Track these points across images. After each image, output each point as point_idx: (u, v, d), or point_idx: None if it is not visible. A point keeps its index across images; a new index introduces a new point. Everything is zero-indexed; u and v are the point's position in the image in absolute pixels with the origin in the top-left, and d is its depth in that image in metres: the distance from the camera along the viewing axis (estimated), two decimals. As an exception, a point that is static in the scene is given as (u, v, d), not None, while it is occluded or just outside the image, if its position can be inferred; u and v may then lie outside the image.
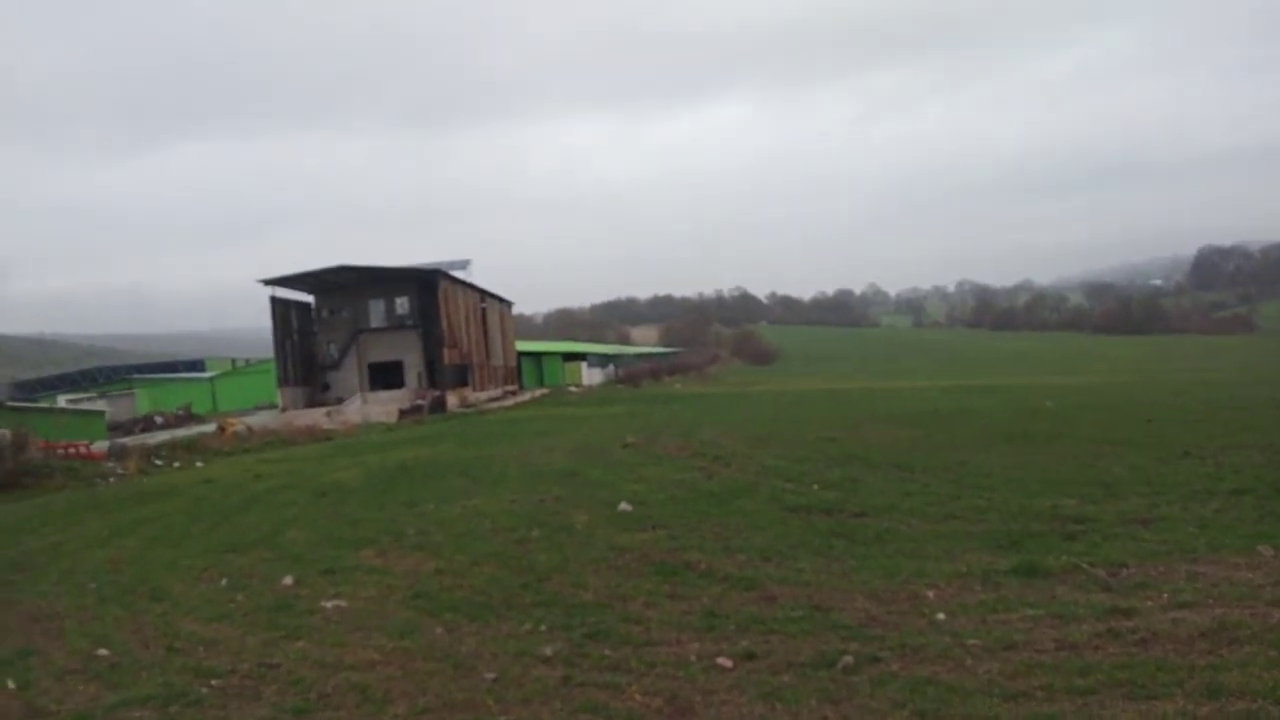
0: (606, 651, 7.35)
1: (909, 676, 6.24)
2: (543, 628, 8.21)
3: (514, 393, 69.06)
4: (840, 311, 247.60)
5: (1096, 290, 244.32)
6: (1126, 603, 7.72)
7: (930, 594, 8.43)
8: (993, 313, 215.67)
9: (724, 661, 6.81)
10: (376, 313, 62.01)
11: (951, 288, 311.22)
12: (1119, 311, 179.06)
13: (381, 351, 61.50)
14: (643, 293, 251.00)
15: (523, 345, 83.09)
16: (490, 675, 7.05)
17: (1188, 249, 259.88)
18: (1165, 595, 7.89)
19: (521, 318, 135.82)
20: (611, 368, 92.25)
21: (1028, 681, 6.02)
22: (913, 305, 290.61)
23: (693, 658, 7.01)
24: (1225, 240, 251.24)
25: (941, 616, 7.65)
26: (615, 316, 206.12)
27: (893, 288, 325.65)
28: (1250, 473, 14.03)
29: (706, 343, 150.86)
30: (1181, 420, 23.11)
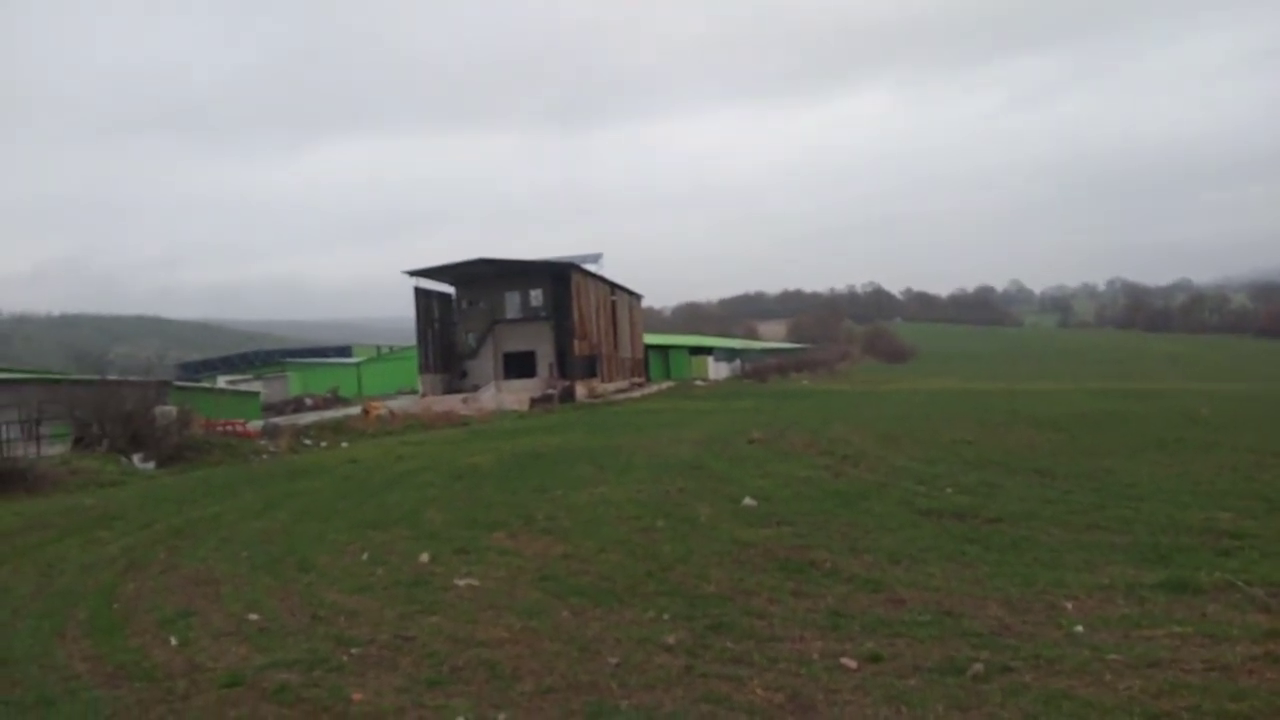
0: (729, 644, 7.38)
1: (1043, 688, 6.02)
2: (666, 616, 8.31)
3: (641, 385, 69.73)
4: (980, 309, 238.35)
5: (1263, 290, 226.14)
6: (1288, 626, 7.21)
7: (1069, 605, 8.09)
8: (1146, 313, 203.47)
9: (848, 662, 6.74)
10: (512, 304, 63.77)
11: (1101, 286, 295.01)
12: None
13: (516, 342, 63.24)
14: (772, 287, 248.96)
15: (650, 338, 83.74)
16: (614, 660, 7.20)
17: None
18: (1333, 622, 7.33)
19: (650, 311, 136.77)
20: (738, 362, 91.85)
21: (1172, 702, 5.72)
22: (1059, 304, 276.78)
23: (816, 656, 6.97)
24: None
25: (1080, 629, 7.33)
26: (743, 311, 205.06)
27: (1037, 285, 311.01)
28: None
29: (836, 339, 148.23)
30: (1359, 433, 21.29)
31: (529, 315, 63.35)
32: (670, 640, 7.55)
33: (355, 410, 45.55)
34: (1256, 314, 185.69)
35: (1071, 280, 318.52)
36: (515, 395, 54.06)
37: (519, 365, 62.69)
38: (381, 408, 45.44)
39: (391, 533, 13.34)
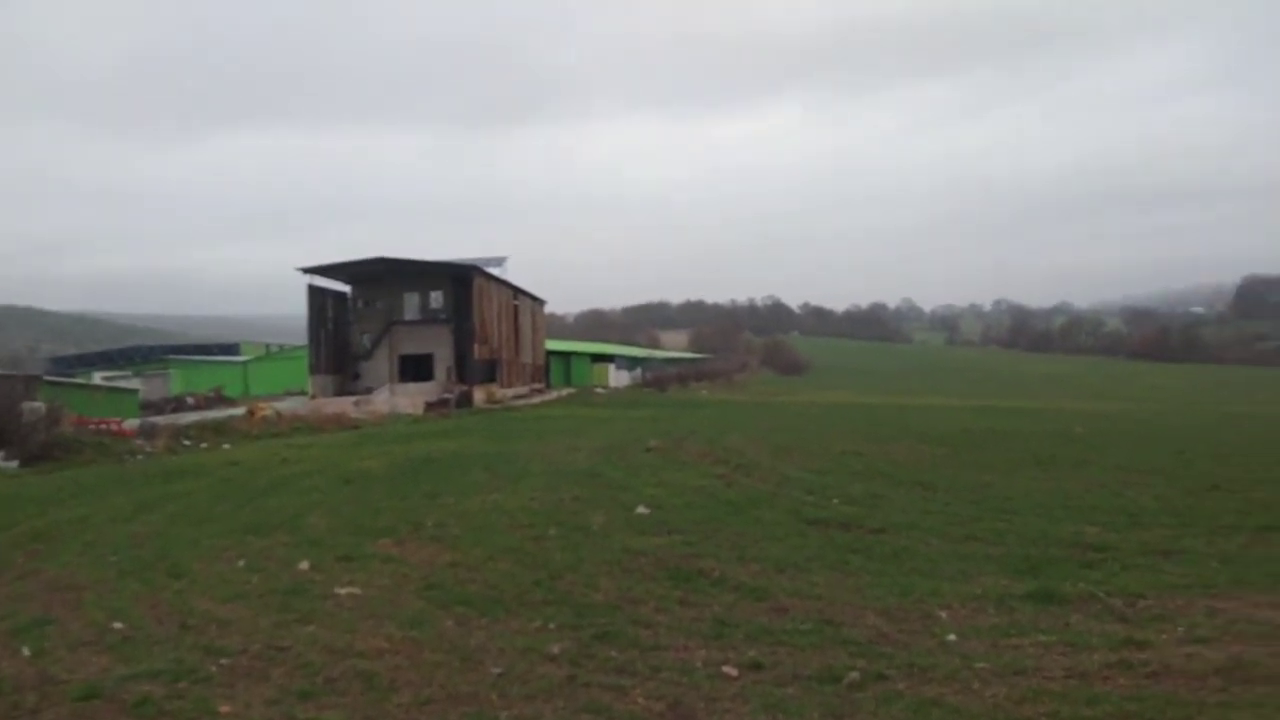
0: (613, 653, 7.35)
1: (914, 696, 6.19)
2: (552, 626, 8.24)
3: (541, 391, 69.34)
4: (873, 326, 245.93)
5: (1135, 316, 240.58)
6: (1141, 634, 7.60)
7: (943, 614, 8.36)
8: (1028, 334, 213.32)
9: (729, 670, 6.80)
10: (411, 305, 62.56)
11: (988, 306, 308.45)
12: (1157, 338, 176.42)
13: (413, 344, 62.03)
14: (675, 297, 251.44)
15: (552, 344, 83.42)
16: (496, 670, 7.08)
17: (1232, 277, 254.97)
18: (1181, 629, 7.76)
19: (553, 317, 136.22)
20: (639, 371, 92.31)
21: (1034, 708, 5.95)
22: (947, 322, 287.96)
23: (698, 664, 7.00)
24: (1272, 270, 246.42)
25: (952, 637, 7.58)
26: (646, 320, 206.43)
27: (928, 304, 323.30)
28: (1281, 510, 13.77)
29: (736, 350, 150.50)
30: (1214, 453, 22.73)
31: (428, 317, 62.25)
32: (555, 650, 7.48)
33: (240, 411, 43.85)
34: (1129, 338, 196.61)
35: (960, 300, 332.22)
36: (410, 399, 53.00)
37: (416, 368, 61.49)
38: (268, 409, 43.85)
39: (271, 538, 12.85)
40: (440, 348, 61.43)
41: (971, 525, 12.78)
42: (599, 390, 72.27)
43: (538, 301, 76.90)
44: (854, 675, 6.55)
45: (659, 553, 11.11)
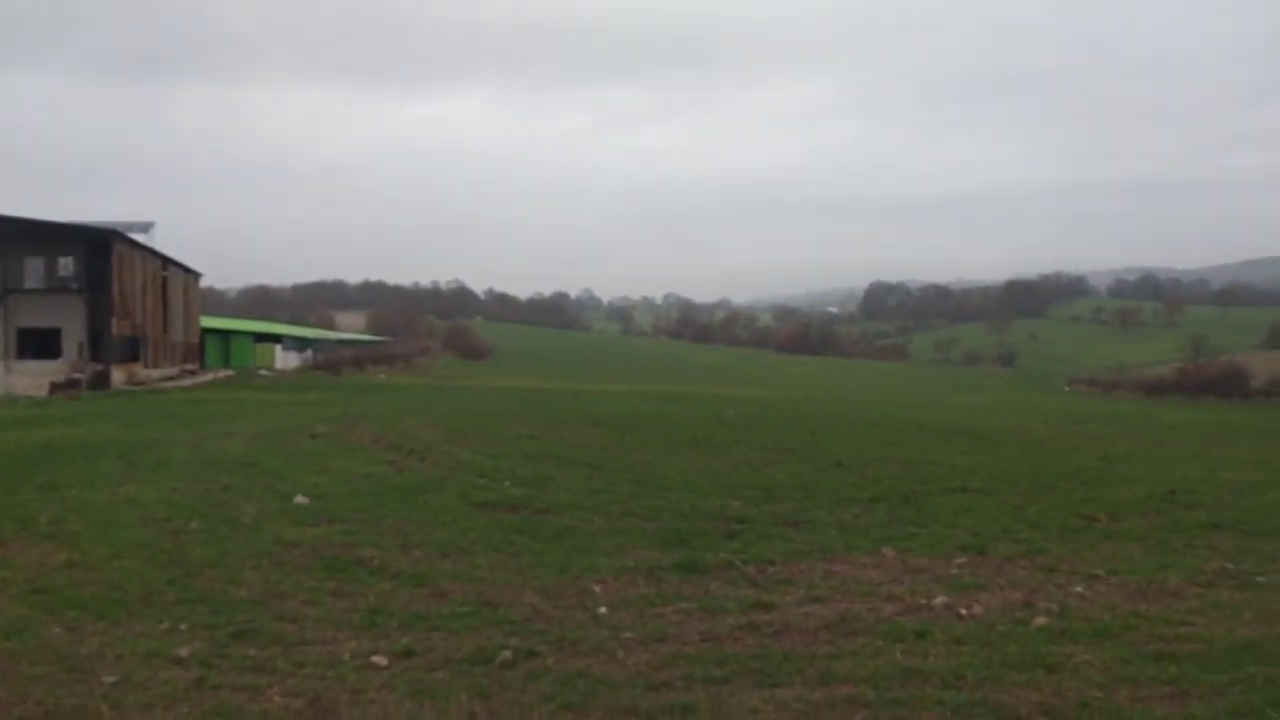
0: (252, 652, 6.83)
1: (562, 670, 6.35)
2: (183, 627, 7.48)
3: (194, 372, 63.27)
4: (555, 313, 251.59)
5: (783, 313, 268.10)
6: (768, 597, 8.39)
7: (597, 589, 8.69)
8: (694, 326, 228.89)
9: (378, 660, 6.57)
10: (34, 272, 54.15)
11: (659, 300, 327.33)
12: (800, 334, 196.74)
13: (36, 316, 53.79)
14: (353, 276, 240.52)
15: (209, 322, 76.48)
16: (110, 679, 6.30)
17: (862, 282, 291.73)
18: (802, 591, 8.67)
19: (211, 292, 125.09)
20: (310, 352, 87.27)
21: (671, 672, 6.34)
22: (623, 313, 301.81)
23: (346, 656, 6.69)
24: (892, 277, 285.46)
25: (604, 610, 7.89)
26: (320, 299, 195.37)
27: (606, 295, 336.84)
28: (888, 483, 15.89)
29: (418, 333, 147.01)
30: (839, 434, 25.77)
31: (55, 286, 54.26)
32: (183, 652, 6.79)
33: None
34: (777, 332, 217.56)
35: (635, 293, 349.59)
36: (32, 379, 46.15)
37: (39, 344, 53.44)
38: None
39: None
40: (70, 321, 53.85)
41: (631, 503, 13.46)
42: (263, 372, 67.29)
43: (192, 274, 70.00)
44: (506, 654, 6.60)
45: (315, 544, 10.54)
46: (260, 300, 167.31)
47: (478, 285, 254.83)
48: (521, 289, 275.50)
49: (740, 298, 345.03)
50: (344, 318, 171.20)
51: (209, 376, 60.15)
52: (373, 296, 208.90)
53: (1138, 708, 5.73)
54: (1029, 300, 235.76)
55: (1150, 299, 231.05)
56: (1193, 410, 58.81)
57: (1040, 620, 7.60)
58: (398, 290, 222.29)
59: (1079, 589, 8.82)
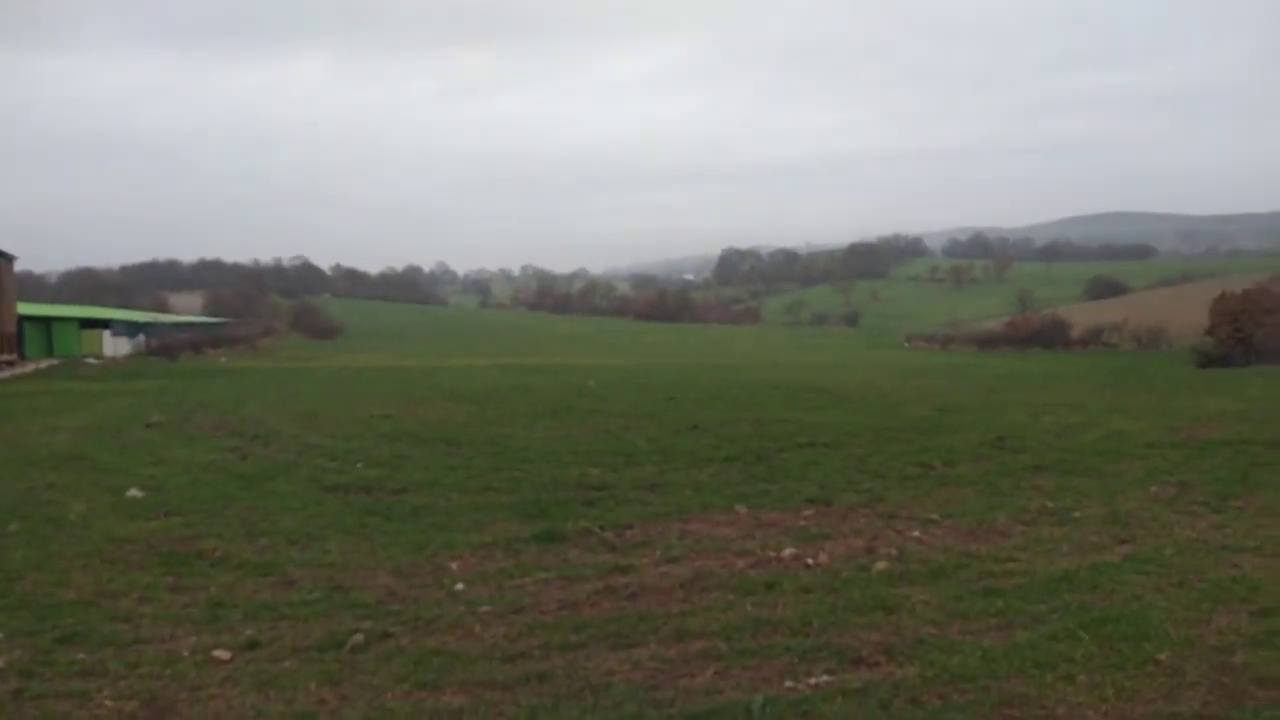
0: (80, 656, 6.39)
1: (417, 649, 6.25)
2: (0, 635, 6.94)
3: (11, 363, 58.38)
4: (408, 289, 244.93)
5: (640, 281, 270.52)
6: (626, 561, 8.51)
7: (454, 565, 8.59)
8: (552, 297, 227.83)
9: (221, 654, 6.28)
10: None
11: (517, 271, 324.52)
12: (657, 301, 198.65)
13: None
14: (188, 255, 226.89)
15: (26, 308, 70.59)
16: (-85, 702, 5.78)
17: (716, 249, 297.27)
18: (658, 552, 8.84)
19: (28, 276, 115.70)
20: (142, 337, 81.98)
21: (528, 642, 6.34)
22: (480, 286, 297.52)
23: (186, 653, 6.36)
24: (744, 243, 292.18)
25: (460, 586, 7.81)
26: (152, 280, 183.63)
27: (461, 268, 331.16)
28: (741, 443, 16.36)
29: (261, 314, 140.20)
30: (696, 398, 26.27)
31: None
32: (0, 663, 6.31)
33: None
34: (635, 300, 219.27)
35: (491, 265, 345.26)
36: None
37: None
38: None
39: None
40: None
41: (490, 477, 13.35)
42: (90, 360, 62.76)
43: (5, 258, 64.40)
44: (358, 638, 6.44)
45: (151, 538, 9.97)
46: (85, 284, 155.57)
47: (324, 261, 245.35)
48: (372, 264, 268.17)
49: (598, 267, 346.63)
50: (179, 299, 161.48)
51: (30, 368, 55.66)
52: (210, 276, 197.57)
53: (968, 640, 6.13)
54: (870, 262, 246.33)
55: (981, 257, 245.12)
56: (1020, 360, 62.93)
57: (881, 565, 8.02)
58: (237, 268, 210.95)
59: (916, 533, 9.35)
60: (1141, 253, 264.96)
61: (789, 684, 5.44)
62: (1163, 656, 5.69)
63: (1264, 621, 6.35)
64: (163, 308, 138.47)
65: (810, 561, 8.22)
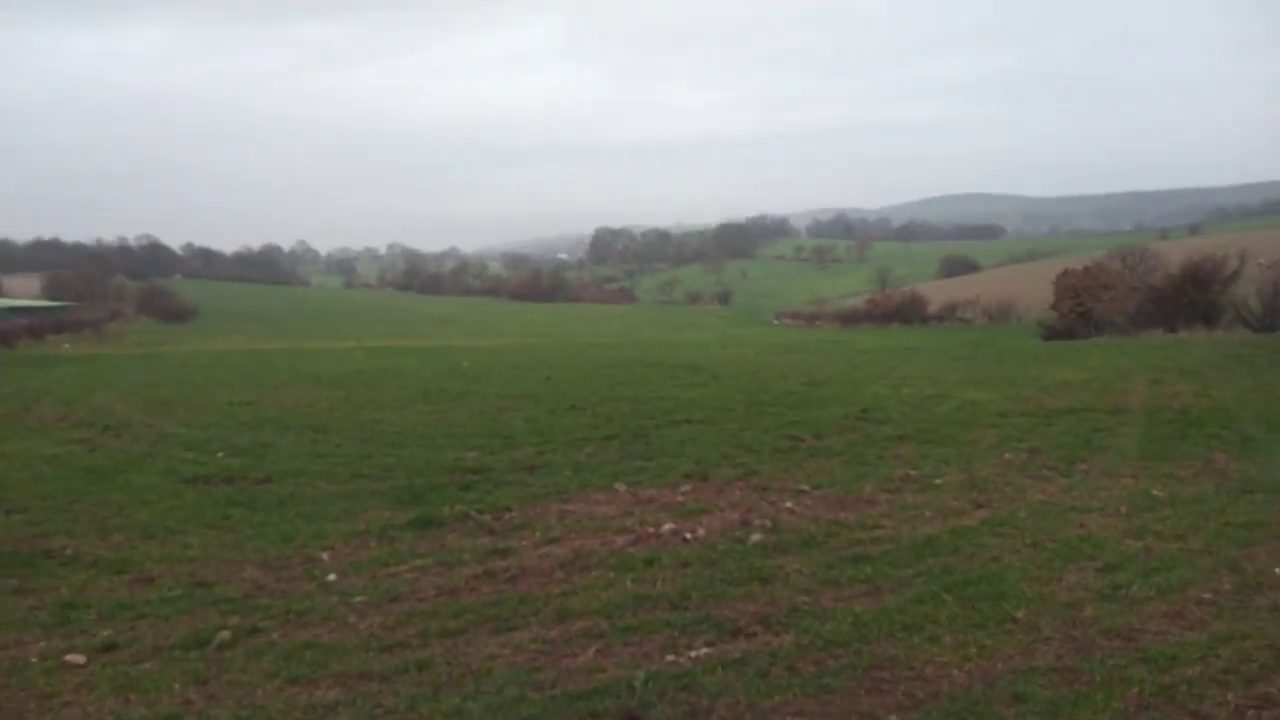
0: (-90, 672, 5.90)
1: (288, 643, 6.04)
2: None
3: None
4: (267, 269, 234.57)
5: (514, 261, 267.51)
6: (505, 544, 8.45)
7: (325, 556, 8.33)
8: (422, 277, 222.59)
9: (74, 658, 5.91)
10: None
11: (383, 250, 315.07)
12: (531, 281, 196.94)
13: None
14: (22, 235, 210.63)
15: None
16: None
17: (589, 228, 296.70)
18: (538, 533, 8.81)
19: None
20: (-27, 324, 75.79)
21: (406, 631, 6.23)
22: (344, 266, 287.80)
23: (34, 659, 5.96)
24: (616, 223, 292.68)
25: (332, 577, 7.59)
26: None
27: (324, 247, 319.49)
28: (619, 421, 16.44)
29: (106, 296, 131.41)
30: (573, 378, 26.24)
31: None
32: None
33: None
34: (508, 280, 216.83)
35: (356, 244, 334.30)
36: None
37: None
38: None
39: None
40: None
41: (360, 464, 12.98)
42: (-88, 350, 57.57)
43: None
44: (225, 635, 6.18)
45: (-10, 539, 9.25)
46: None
47: (174, 240, 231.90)
48: (226, 243, 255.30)
49: (469, 246, 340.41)
50: (14, 282, 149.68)
51: None
52: (47, 257, 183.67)
53: (840, 607, 6.38)
54: (739, 241, 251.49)
55: (843, 237, 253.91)
56: (881, 336, 65.49)
57: (756, 537, 8.24)
58: (77, 249, 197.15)
59: (789, 504, 9.65)
60: (991, 233, 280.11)
61: (670, 658, 5.53)
62: (1020, 614, 6.07)
63: (1109, 576, 6.86)
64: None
65: (688, 536, 8.36)
